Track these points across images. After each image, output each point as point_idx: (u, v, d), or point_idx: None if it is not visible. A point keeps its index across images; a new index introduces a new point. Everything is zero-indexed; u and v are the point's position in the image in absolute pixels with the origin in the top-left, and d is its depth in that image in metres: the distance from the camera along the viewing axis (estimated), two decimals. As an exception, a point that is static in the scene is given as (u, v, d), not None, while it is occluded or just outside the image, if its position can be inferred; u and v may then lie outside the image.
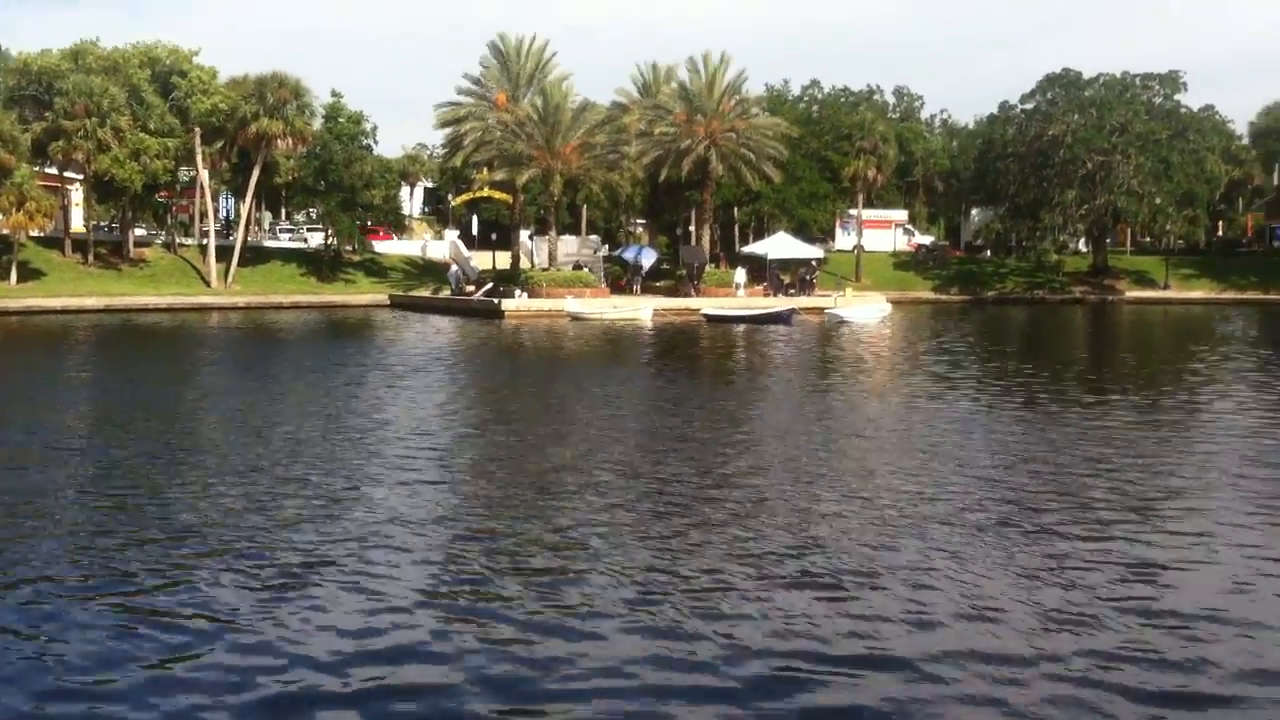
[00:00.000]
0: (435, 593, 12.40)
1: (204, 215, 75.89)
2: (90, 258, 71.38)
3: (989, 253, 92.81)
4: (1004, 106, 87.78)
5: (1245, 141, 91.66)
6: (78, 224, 74.73)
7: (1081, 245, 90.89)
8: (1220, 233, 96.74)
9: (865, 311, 62.37)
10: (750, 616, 11.54)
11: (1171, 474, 18.81)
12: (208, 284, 72.80)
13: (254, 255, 77.68)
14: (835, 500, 16.59)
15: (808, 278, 74.20)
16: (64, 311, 62.55)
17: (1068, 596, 12.19)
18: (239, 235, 76.08)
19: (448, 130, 77.64)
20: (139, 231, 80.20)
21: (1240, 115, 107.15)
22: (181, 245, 78.45)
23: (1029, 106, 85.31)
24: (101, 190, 71.35)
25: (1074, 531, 14.80)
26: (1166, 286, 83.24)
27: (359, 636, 11.07)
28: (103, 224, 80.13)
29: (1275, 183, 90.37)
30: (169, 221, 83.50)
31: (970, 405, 27.30)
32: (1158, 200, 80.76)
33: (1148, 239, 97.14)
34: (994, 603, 11.98)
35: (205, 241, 74.41)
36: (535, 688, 9.87)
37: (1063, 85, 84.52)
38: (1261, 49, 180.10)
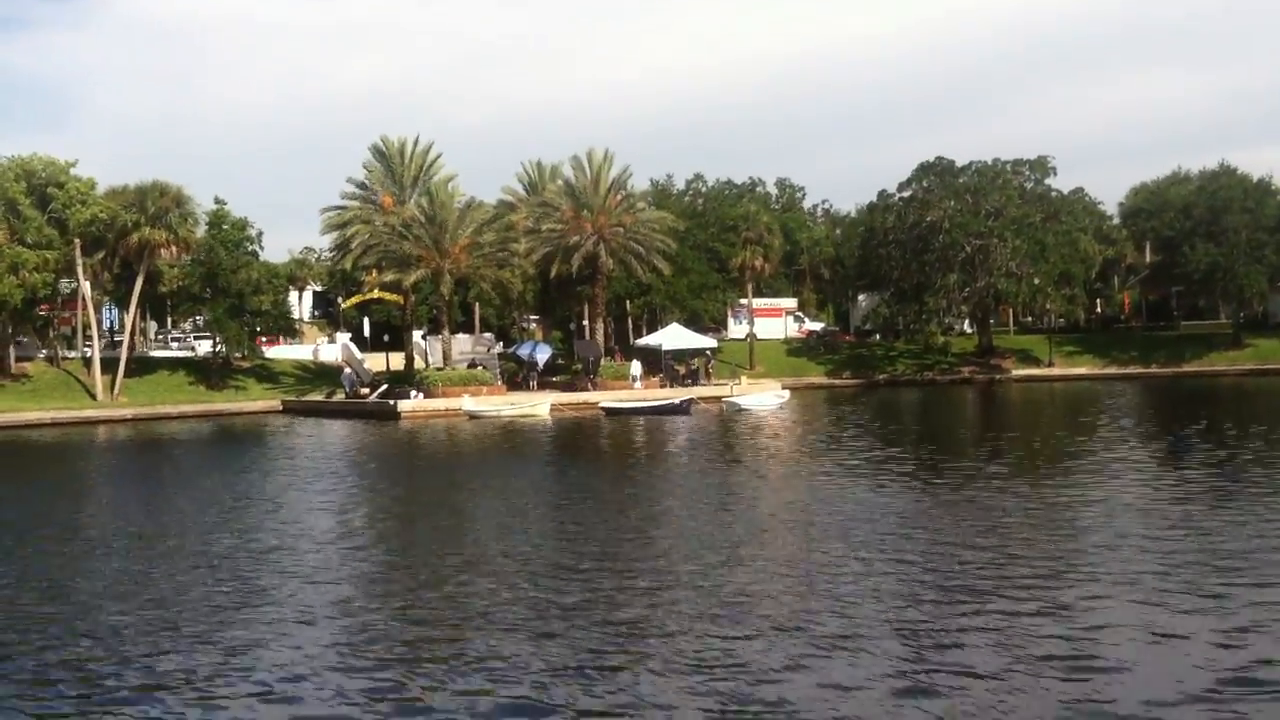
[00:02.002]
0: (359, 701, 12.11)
1: (87, 327, 74.29)
2: (-32, 375, 69.40)
3: (878, 336, 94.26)
4: (883, 195, 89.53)
5: (1116, 221, 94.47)
6: (-47, 341, 72.66)
7: (966, 326, 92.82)
8: (1099, 310, 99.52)
9: (763, 398, 62.88)
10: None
11: (1085, 555, 19.11)
12: (93, 397, 71.01)
13: (140, 365, 76.07)
14: (758, 585, 16.54)
15: (701, 367, 74.65)
16: (-60, 431, 60.52)
17: (998, 661, 12.26)
18: (124, 345, 74.53)
19: (335, 234, 77.19)
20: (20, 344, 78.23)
21: (1109, 195, 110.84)
22: (65, 358, 76.62)
23: (906, 194, 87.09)
24: (-22, 306, 69.46)
25: (999, 604, 14.94)
26: (1051, 364, 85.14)
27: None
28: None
29: (1147, 260, 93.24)
30: (51, 335, 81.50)
31: (883, 487, 27.47)
32: (1036, 281, 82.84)
33: (1029, 318, 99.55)
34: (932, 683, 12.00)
35: (89, 353, 72.81)
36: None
37: (937, 173, 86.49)
38: (1127, 128, 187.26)
